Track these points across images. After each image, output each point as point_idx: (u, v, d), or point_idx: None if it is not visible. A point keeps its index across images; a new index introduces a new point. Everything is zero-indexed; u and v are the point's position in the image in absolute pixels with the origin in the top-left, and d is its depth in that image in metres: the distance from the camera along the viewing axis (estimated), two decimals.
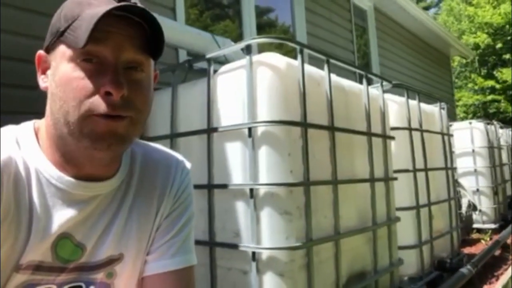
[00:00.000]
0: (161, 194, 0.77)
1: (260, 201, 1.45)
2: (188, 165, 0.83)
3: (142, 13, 0.64)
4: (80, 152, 0.65)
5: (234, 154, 1.54)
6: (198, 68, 2.01)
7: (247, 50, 1.53)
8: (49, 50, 0.67)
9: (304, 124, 1.52)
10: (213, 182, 1.58)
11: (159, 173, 0.78)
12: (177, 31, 2.29)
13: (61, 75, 0.63)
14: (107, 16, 0.60)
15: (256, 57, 1.55)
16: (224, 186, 1.54)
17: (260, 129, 1.47)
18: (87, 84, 0.61)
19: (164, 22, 2.16)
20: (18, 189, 0.64)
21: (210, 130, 1.60)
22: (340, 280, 1.60)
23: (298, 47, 1.58)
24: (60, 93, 0.63)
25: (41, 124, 0.70)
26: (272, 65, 1.51)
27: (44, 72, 0.69)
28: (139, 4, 0.66)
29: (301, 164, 1.50)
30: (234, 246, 1.47)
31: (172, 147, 1.72)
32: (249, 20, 3.54)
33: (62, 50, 0.64)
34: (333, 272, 1.59)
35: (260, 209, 1.45)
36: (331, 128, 1.67)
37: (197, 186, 1.61)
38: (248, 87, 1.50)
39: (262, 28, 3.87)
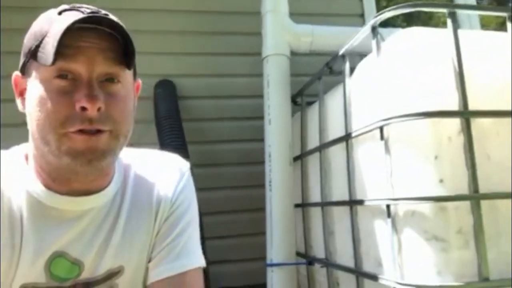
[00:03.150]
0: (158, 200, 0.75)
1: (400, 222, 1.11)
2: (185, 166, 0.80)
3: (112, 24, 0.63)
4: (63, 169, 0.65)
5: (371, 162, 1.26)
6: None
7: (373, 33, 1.24)
8: (24, 71, 0.67)
9: (463, 113, 1.08)
10: (355, 197, 1.33)
11: (155, 178, 0.76)
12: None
13: (36, 95, 0.63)
14: (73, 29, 0.59)
15: (389, 39, 1.24)
16: (361, 202, 1.27)
17: (392, 128, 1.15)
18: (62, 101, 0.61)
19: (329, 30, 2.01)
20: (12, 214, 0.65)
21: (347, 137, 1.37)
22: None
23: (446, 11, 1.16)
24: (36, 113, 0.63)
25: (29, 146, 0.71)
26: (404, 45, 1.17)
27: (21, 95, 0.68)
28: (109, 16, 0.65)
29: (461, 170, 1.06)
30: (375, 278, 1.17)
31: (321, 160, 1.57)
32: None
33: (35, 70, 0.64)
34: None
35: (401, 232, 1.10)
36: None
37: (340, 203, 1.41)
38: (378, 78, 1.20)
39: None
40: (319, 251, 1.61)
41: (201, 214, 1.87)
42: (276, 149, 1.71)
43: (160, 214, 0.75)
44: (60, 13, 0.64)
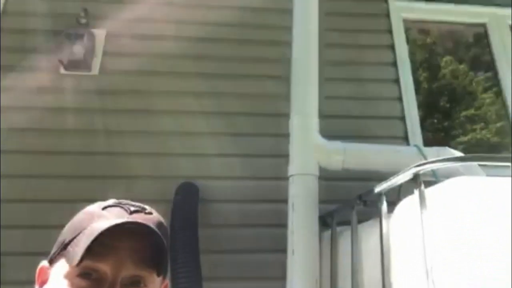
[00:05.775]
0: None
1: None
2: None
3: (150, 230, 0.61)
4: None
5: None
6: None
7: (416, 181, 1.06)
8: (52, 262, 0.65)
9: None
10: None
11: None
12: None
13: None
14: (108, 231, 0.58)
15: (435, 189, 1.05)
16: None
17: None
18: None
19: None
20: None
21: None
22: None
23: (509, 164, 0.97)
24: None
25: None
26: (453, 202, 0.97)
27: (41, 285, 0.65)
28: (152, 215, 0.65)
29: None
30: None
31: None
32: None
33: (61, 264, 0.61)
34: None
35: None
36: None
37: None
38: (420, 233, 1.00)
39: None
40: None
41: None
42: None
43: None
44: (104, 208, 0.64)
